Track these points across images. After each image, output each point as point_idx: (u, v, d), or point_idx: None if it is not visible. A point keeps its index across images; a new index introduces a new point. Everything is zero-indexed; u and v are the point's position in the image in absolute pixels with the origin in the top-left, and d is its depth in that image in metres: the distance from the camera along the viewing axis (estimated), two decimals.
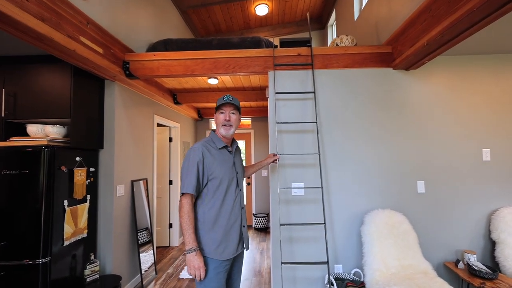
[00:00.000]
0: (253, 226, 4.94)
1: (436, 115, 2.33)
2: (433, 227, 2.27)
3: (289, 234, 2.24)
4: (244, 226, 1.54)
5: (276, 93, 2.25)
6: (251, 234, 4.61)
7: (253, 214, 4.96)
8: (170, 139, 3.98)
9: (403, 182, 2.29)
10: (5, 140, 2.05)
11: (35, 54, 2.11)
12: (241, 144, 5.16)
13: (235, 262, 1.56)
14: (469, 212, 2.28)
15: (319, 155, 2.14)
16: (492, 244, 2.25)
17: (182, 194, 1.38)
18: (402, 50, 2.17)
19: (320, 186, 2.19)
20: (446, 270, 2.25)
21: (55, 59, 2.09)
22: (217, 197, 1.43)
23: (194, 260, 1.29)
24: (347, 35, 2.39)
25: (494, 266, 2.19)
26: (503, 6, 1.32)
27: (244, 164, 1.94)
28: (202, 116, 4.80)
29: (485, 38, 2.07)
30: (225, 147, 1.56)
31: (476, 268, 1.99)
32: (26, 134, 2.15)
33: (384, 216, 2.17)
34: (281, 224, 2.05)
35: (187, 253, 1.30)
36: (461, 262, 2.13)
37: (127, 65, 2.34)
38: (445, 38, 1.81)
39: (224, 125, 1.53)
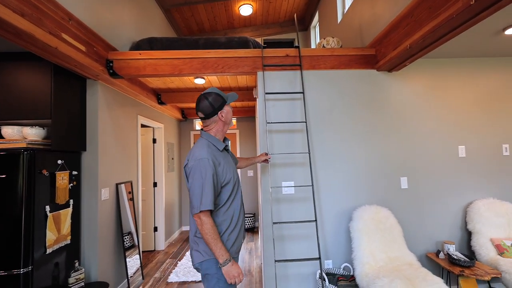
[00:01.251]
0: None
1: (416, 114, 2.46)
2: (416, 221, 2.39)
3: (280, 232, 2.26)
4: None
5: (266, 93, 2.27)
6: None
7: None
8: (154, 140, 3.89)
9: (388, 178, 2.39)
10: None
11: (11, 51, 1.98)
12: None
13: None
14: (448, 205, 2.43)
15: (309, 154, 2.19)
16: (468, 234, 2.41)
17: (200, 211, 1.26)
18: (386, 53, 2.27)
19: (311, 185, 2.23)
20: (429, 260, 2.38)
21: (33, 57, 1.98)
22: (231, 201, 1.40)
23: (233, 270, 1.27)
24: (333, 37, 2.46)
25: (471, 255, 2.35)
26: (479, 14, 1.42)
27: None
28: (186, 116, 4.73)
29: (463, 42, 2.21)
30: (224, 147, 1.49)
31: (455, 257, 2.12)
32: (1, 137, 2.01)
33: (371, 212, 2.25)
34: (274, 223, 2.07)
35: (223, 266, 1.26)
36: (441, 252, 2.26)
37: (111, 64, 2.26)
38: (426, 42, 1.92)
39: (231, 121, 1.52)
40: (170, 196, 4.27)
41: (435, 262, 2.31)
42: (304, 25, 4.79)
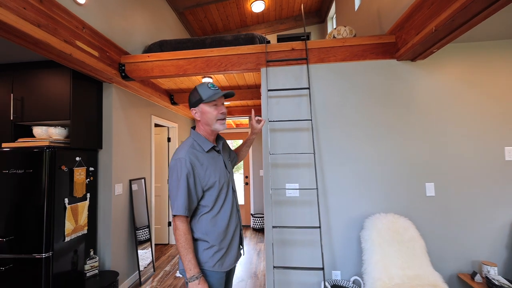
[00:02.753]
0: (251, 226, 4.86)
1: (448, 110, 2.09)
2: (444, 234, 2.04)
3: (283, 237, 2.14)
4: (241, 229, 1.44)
5: (269, 90, 2.16)
6: (248, 235, 4.53)
7: (251, 214, 4.88)
8: (169, 139, 4.04)
9: (409, 184, 2.08)
10: (13, 141, 2.20)
11: (39, 60, 2.24)
12: (239, 143, 5.09)
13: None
14: (489, 219, 2.01)
15: (314, 154, 2.02)
16: None
17: (174, 215, 1.18)
18: (407, 39, 1.97)
19: (315, 188, 2.06)
20: (460, 282, 2.01)
21: (57, 64, 2.20)
22: (216, 209, 1.26)
23: None
24: (345, 26, 2.23)
25: None
26: None
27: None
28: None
29: (504, 21, 1.80)
30: (213, 147, 1.33)
31: (496, 282, 1.76)
32: (33, 136, 2.29)
33: (387, 221, 1.99)
34: (273, 227, 1.96)
35: (189, 282, 1.13)
36: (478, 274, 1.89)
37: (123, 67, 2.40)
38: (456, 23, 1.61)
39: (220, 119, 1.29)
40: None
41: (469, 285, 1.93)
42: (321, 18, 4.47)
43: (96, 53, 2.13)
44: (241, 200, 5.10)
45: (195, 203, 1.22)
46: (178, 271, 1.22)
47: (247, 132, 5.02)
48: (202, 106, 1.28)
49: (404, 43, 2.00)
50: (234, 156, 1.62)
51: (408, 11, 1.91)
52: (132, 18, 2.69)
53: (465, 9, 1.45)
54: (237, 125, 6.28)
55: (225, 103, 3.92)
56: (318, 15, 4.47)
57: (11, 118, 2.22)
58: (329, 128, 2.16)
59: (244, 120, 5.05)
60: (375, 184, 2.11)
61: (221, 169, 1.32)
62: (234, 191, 1.41)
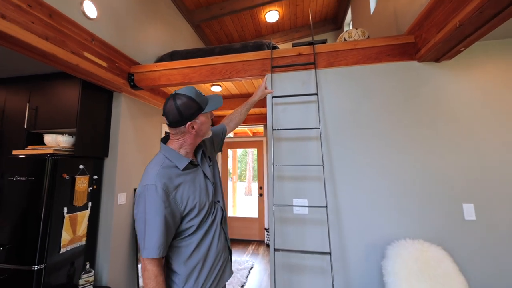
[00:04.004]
0: (265, 242, 4.53)
1: (486, 117, 1.79)
2: (491, 270, 1.66)
3: (290, 261, 1.89)
4: (230, 262, 1.23)
5: (273, 97, 2.03)
6: (261, 252, 4.20)
7: (265, 229, 4.57)
8: None
9: (441, 204, 1.76)
10: (24, 149, 2.26)
11: (55, 72, 2.34)
12: (254, 152, 4.90)
13: None
14: None
15: (323, 166, 1.80)
16: None
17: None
18: (428, 38, 1.76)
19: (325, 206, 1.82)
20: None
21: (70, 74, 2.28)
22: (197, 237, 1.08)
23: None
24: (356, 29, 2.07)
25: None
26: None
27: (220, 149, 1.50)
28: (214, 124, 4.77)
29: None
30: (190, 163, 1.13)
31: None
32: (44, 143, 2.34)
33: (415, 250, 1.66)
34: (275, 250, 1.73)
35: None
36: None
37: (132, 77, 2.43)
38: (485, 15, 1.40)
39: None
40: None
41: None
42: (337, 24, 4.36)
43: (104, 64, 2.17)
44: (254, 213, 4.85)
45: (173, 235, 1.03)
46: None
47: (262, 140, 4.86)
48: (200, 117, 1.12)
49: (425, 42, 1.78)
50: (220, 140, 1.44)
51: (428, 6, 1.72)
52: (145, 31, 2.77)
53: None
54: (254, 134, 6.18)
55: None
56: (334, 22, 4.39)
57: (25, 126, 2.30)
58: (341, 138, 1.95)
59: (260, 128, 4.93)
60: (399, 203, 1.81)
61: (201, 188, 1.13)
62: (221, 207, 1.21)
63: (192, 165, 1.14)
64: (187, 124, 1.08)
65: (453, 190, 1.76)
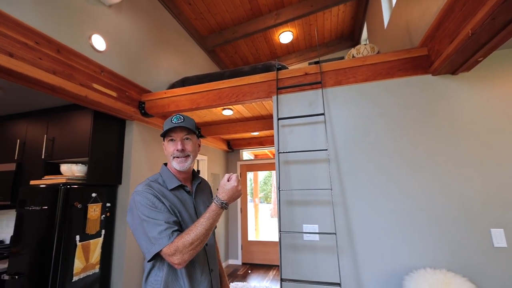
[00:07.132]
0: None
1: (509, 132, 1.62)
2: None
3: None
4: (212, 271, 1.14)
5: (279, 119, 1.98)
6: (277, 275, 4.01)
7: None
8: (198, 172, 4.01)
9: (466, 229, 1.59)
10: (40, 178, 2.35)
11: (69, 103, 2.44)
12: (266, 174, 4.79)
13: None
14: None
15: (331, 190, 1.70)
16: None
17: (149, 259, 0.96)
18: (440, 50, 1.65)
19: (334, 232, 1.70)
20: None
21: (82, 105, 2.37)
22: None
23: None
24: (365, 44, 2.00)
25: None
26: None
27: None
28: (232, 147, 4.76)
29: None
30: (181, 186, 1.13)
31: None
32: (60, 173, 2.43)
33: (437, 280, 1.49)
34: (282, 280, 1.62)
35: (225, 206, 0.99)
36: None
37: (143, 105, 2.49)
38: (498, 21, 1.29)
39: (177, 157, 1.10)
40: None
41: None
42: (354, 41, 4.27)
43: (114, 94, 2.24)
44: (268, 236, 4.69)
45: (174, 217, 1.00)
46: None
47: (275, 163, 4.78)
48: (165, 140, 1.16)
49: (438, 54, 1.67)
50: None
51: (438, 17, 1.62)
52: (157, 59, 2.86)
53: (507, 1, 1.13)
54: (262, 156, 6.10)
55: (253, 133, 3.78)
56: (352, 39, 4.32)
57: (43, 157, 2.40)
58: (352, 159, 1.84)
59: (272, 150, 4.86)
60: (418, 228, 1.66)
61: (190, 213, 1.09)
62: (210, 252, 1.14)
63: (184, 190, 1.14)
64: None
65: (479, 214, 1.58)
